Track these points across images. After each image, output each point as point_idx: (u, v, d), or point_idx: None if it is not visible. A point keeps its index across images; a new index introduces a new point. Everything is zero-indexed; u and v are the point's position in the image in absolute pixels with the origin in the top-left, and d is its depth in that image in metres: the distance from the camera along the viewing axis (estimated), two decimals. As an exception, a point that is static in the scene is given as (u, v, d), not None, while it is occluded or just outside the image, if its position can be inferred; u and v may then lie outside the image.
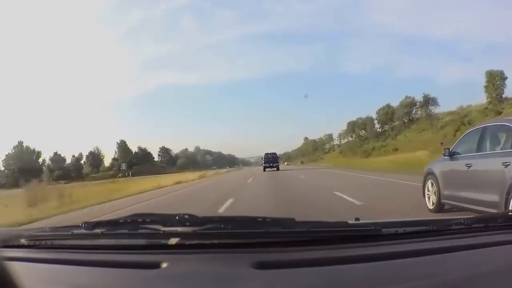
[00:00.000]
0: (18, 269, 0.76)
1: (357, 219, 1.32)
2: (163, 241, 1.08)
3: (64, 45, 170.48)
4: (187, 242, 1.07)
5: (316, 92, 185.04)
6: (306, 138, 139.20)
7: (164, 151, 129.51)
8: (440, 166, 6.17)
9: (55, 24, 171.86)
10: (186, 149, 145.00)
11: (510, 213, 1.30)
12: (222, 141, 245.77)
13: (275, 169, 34.40)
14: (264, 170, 33.76)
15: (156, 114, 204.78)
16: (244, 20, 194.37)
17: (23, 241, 1.18)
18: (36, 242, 1.18)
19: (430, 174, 6.43)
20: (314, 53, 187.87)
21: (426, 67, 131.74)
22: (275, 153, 37.72)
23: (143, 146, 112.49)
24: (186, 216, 1.12)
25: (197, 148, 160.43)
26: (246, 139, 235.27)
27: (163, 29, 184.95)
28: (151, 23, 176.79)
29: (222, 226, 1.11)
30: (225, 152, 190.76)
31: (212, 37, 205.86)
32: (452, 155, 5.77)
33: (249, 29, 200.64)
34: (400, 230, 1.16)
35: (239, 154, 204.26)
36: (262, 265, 0.94)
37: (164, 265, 0.96)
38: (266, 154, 36.95)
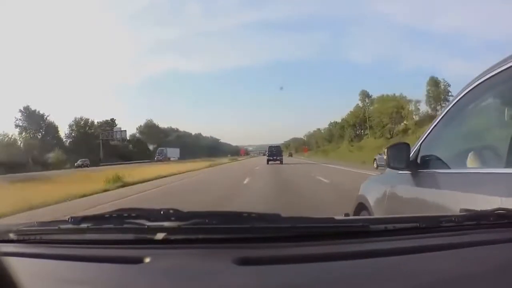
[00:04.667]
0: (7, 264, 0.78)
1: (346, 214, 1.34)
2: (148, 236, 1.09)
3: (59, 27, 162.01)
4: (172, 237, 1.08)
5: (320, 80, 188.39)
6: (366, 97, 69.57)
7: (33, 117, 64.91)
8: (383, 192, 2.36)
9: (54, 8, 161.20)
10: (112, 120, 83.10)
11: (502, 211, 1.25)
12: (221, 128, 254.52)
13: (279, 162, 33.94)
14: (268, 163, 33.55)
15: (150, 99, 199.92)
16: (245, 7, 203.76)
17: (11, 235, 1.20)
18: (25, 237, 1.20)
19: (363, 210, 2.52)
20: (317, 41, 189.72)
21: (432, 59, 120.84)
22: (278, 147, 37.45)
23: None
24: (171, 211, 1.13)
25: (149, 122, 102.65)
26: (246, 127, 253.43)
27: (164, 14, 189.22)
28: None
29: (207, 221, 1.12)
30: (206, 134, 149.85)
31: (214, 24, 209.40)
32: (419, 165, 2.11)
33: (248, 16, 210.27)
34: (390, 226, 1.15)
35: (236, 142, 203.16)
36: (244, 261, 0.94)
37: (147, 260, 0.97)
38: (270, 147, 36.71)
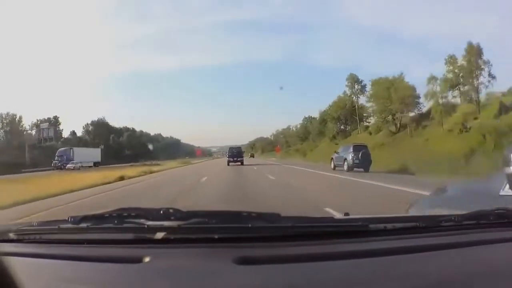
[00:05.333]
0: (7, 264, 0.79)
1: (346, 214, 1.29)
2: (148, 235, 1.08)
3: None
4: (171, 237, 1.07)
5: (287, 83, 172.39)
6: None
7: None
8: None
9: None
10: (56, 118, 69.97)
11: (502, 210, 1.25)
12: (186, 130, 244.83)
13: (239, 163, 33.68)
14: (228, 164, 33.29)
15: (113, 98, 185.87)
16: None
17: (12, 235, 1.18)
18: (25, 237, 1.18)
19: None
20: (287, 44, 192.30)
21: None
22: (239, 148, 37.66)
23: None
24: (171, 210, 1.12)
25: (99, 121, 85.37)
26: (211, 128, 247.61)
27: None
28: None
29: (206, 220, 1.12)
30: (166, 135, 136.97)
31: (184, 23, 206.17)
32: None
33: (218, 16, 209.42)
34: (389, 226, 1.15)
35: (200, 143, 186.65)
36: (244, 260, 0.94)
37: (147, 259, 0.96)
38: (231, 148, 37.06)
